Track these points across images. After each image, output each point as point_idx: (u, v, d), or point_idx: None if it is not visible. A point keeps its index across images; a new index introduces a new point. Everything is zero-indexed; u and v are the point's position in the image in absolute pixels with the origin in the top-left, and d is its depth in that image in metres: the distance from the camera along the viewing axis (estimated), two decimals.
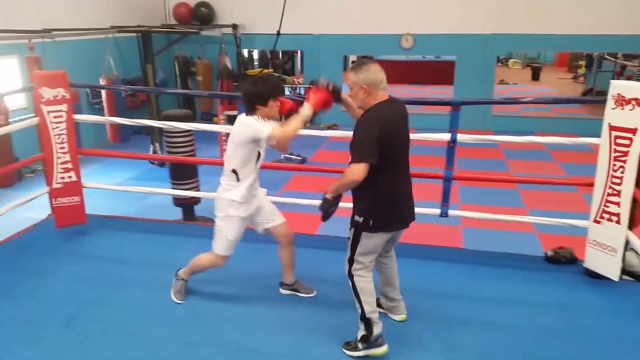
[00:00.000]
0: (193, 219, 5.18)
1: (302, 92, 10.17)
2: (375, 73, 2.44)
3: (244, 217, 2.91)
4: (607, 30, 8.66)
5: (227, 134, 5.70)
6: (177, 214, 5.22)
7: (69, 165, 3.97)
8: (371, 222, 2.51)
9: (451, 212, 3.84)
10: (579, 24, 8.78)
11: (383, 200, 2.52)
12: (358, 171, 2.37)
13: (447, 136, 3.64)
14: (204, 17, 9.89)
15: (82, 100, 7.93)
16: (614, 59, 12.67)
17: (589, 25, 8.73)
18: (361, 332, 2.60)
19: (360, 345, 2.60)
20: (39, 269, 3.56)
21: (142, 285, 3.39)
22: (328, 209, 2.56)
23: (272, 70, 11.24)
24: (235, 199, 2.82)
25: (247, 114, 2.77)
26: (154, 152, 7.71)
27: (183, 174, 4.94)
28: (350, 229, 2.62)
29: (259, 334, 2.87)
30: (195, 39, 9.88)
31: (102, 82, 7.83)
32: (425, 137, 3.73)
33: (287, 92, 10.66)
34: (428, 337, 2.81)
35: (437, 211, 3.82)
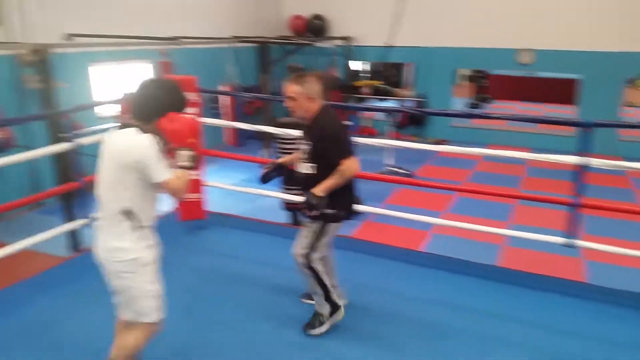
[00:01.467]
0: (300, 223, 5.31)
1: (410, 105, 10.08)
2: (317, 84, 2.71)
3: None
4: None
5: None
6: (283, 217, 5.39)
7: None
8: (342, 213, 2.84)
9: (579, 242, 3.56)
10: None
11: (347, 192, 2.84)
12: (355, 165, 2.68)
13: (574, 159, 3.40)
14: (318, 29, 10.18)
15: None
16: None
17: None
18: (326, 309, 2.96)
19: (325, 319, 2.97)
20: (163, 257, 3.85)
21: (252, 283, 3.54)
22: (324, 207, 2.69)
23: (382, 82, 11.26)
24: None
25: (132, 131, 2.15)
26: (262, 157, 8.03)
27: (295, 179, 5.07)
28: (312, 223, 2.82)
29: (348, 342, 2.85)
30: (309, 50, 10.20)
31: (222, 88, 8.34)
32: (549, 159, 3.51)
33: (394, 105, 10.62)
34: None
35: (560, 240, 3.56)
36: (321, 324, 2.96)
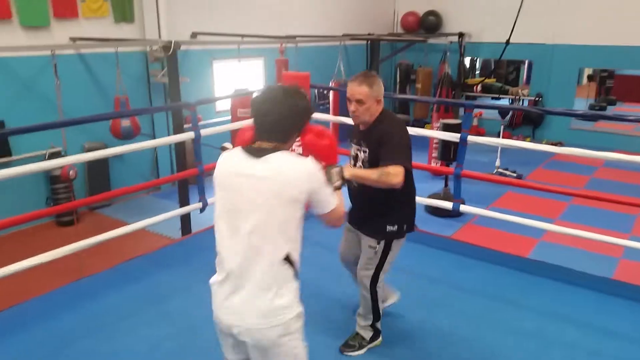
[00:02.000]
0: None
1: (526, 104, 9.51)
2: (382, 85, 2.50)
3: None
4: None
5: (440, 141, 5.65)
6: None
7: None
8: (405, 226, 2.62)
9: None
10: None
11: (411, 204, 2.68)
12: (402, 176, 2.32)
13: None
14: (431, 25, 9.98)
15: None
16: None
17: None
18: (369, 334, 2.85)
19: (365, 344, 2.85)
20: None
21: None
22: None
23: (495, 79, 10.76)
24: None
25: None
26: None
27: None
28: (377, 243, 2.61)
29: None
30: (419, 47, 10.05)
31: (332, 85, 8.53)
32: None
33: (508, 103, 10.10)
34: None
35: None
36: (360, 347, 2.86)
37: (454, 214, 4.67)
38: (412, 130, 4.17)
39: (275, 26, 7.74)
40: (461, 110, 8.22)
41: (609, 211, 5.33)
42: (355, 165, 2.64)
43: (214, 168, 1.79)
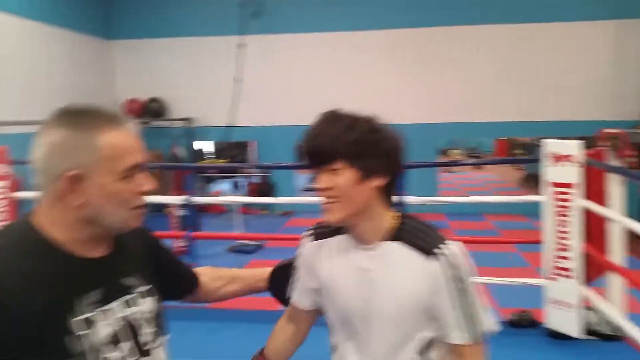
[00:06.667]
0: None
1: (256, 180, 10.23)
2: None
3: None
4: (537, 118, 9.38)
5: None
6: None
7: None
8: None
9: None
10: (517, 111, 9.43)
11: None
12: None
13: None
14: (155, 111, 10.07)
15: None
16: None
17: (525, 113, 9.38)
18: None
19: None
20: None
21: None
22: None
23: (228, 160, 11.37)
24: None
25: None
26: None
27: None
28: None
29: None
30: (148, 131, 10.00)
31: None
32: None
33: (240, 181, 10.69)
34: None
35: None
36: None
37: None
38: None
39: None
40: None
41: None
42: None
43: None
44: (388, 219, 1.27)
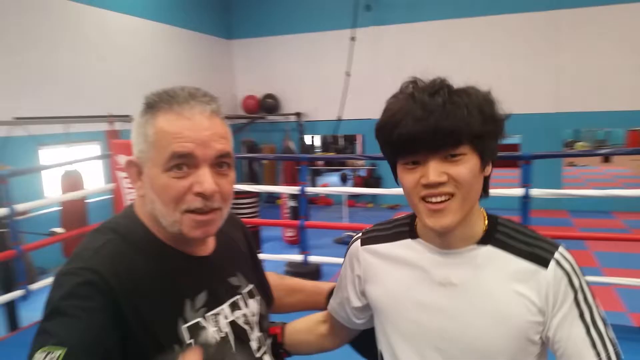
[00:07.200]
0: None
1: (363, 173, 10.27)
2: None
3: None
4: None
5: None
6: None
7: None
8: None
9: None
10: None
11: None
12: None
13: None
14: (270, 107, 10.55)
15: None
16: None
17: None
18: None
19: None
20: None
21: None
22: None
23: (334, 153, 11.54)
24: None
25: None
26: None
27: None
28: None
29: None
30: (261, 126, 10.51)
31: None
32: None
33: (348, 173, 10.82)
34: None
35: None
36: None
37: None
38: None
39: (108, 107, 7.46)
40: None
41: None
42: None
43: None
44: (481, 218, 0.98)
